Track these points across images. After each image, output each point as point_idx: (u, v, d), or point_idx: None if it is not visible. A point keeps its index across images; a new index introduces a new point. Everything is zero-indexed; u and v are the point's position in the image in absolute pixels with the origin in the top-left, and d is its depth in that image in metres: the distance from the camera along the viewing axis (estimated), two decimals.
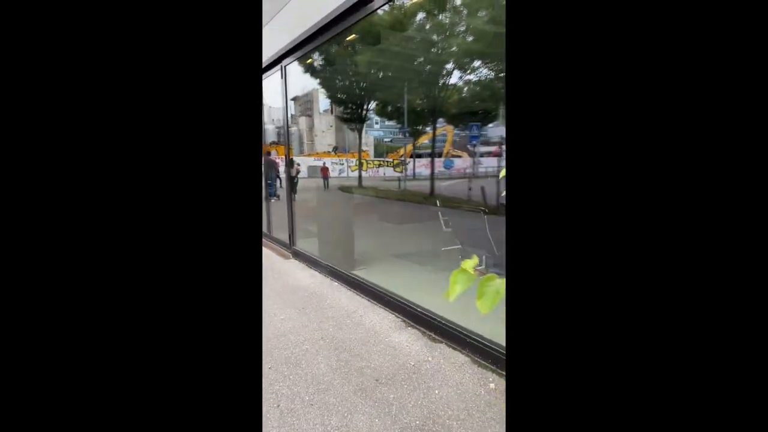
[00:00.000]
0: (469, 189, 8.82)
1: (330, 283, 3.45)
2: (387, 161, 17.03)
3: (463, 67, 9.08)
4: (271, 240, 5.17)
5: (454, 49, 8.93)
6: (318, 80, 10.96)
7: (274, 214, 5.48)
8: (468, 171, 17.23)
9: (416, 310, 2.58)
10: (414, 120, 12.97)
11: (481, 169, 16.97)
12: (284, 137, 4.84)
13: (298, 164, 7.00)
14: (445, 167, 16.52)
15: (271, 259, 4.36)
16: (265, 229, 5.45)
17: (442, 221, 4.27)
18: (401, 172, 16.27)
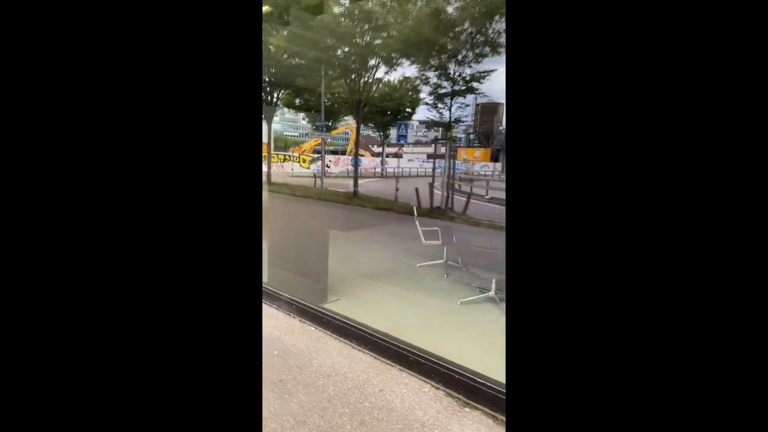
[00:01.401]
0: (397, 190, 8.18)
1: (301, 327, 2.35)
2: (293, 156, 15.52)
3: (389, 63, 8.35)
4: None
5: (378, 42, 8.15)
6: None
7: None
8: (377, 170, 16.75)
9: (465, 376, 1.72)
10: (327, 114, 11.83)
11: (389, 169, 16.63)
12: None
13: None
14: (352, 165, 15.74)
15: None
16: None
17: (421, 233, 3.45)
18: (308, 168, 14.93)
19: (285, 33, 8.18)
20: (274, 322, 2.38)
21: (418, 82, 7.99)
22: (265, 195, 6.54)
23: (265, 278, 2.86)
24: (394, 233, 5.52)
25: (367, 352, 2.05)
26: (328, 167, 13.69)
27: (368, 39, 7.99)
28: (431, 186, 7.09)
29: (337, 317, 2.25)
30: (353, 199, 8.62)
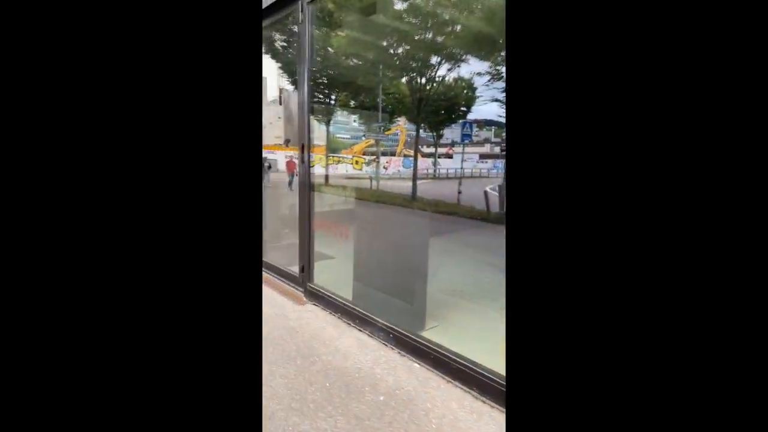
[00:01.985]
0: (459, 193, 7.65)
1: (403, 362, 1.96)
2: (345, 157, 15.38)
3: (453, 59, 7.83)
4: (265, 267, 3.45)
5: (441, 38, 7.65)
6: (279, 64, 8.94)
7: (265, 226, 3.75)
8: (429, 171, 16.26)
9: None
10: (383, 115, 11.52)
11: (442, 171, 16.09)
12: None
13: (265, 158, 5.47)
14: (404, 166, 15.29)
15: (274, 303, 2.69)
16: None
17: None
18: (360, 169, 14.68)
19: (344, 34, 7.92)
20: (371, 354, 2.00)
21: (488, 78, 7.41)
22: (331, 198, 6.28)
23: (348, 296, 2.51)
24: (469, 243, 5.03)
25: (497, 406, 1.61)
26: (385, 169, 13.36)
27: (430, 36, 7.52)
28: (501, 189, 6.49)
29: (446, 353, 1.82)
30: (412, 202, 8.20)
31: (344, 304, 2.43)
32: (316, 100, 9.96)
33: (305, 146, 2.68)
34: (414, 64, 8.01)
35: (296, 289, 2.85)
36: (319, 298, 2.63)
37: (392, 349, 2.05)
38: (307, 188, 2.72)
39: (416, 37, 7.42)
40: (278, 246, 3.88)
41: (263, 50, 3.68)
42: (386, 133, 14.60)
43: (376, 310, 2.25)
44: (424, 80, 8.07)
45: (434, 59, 7.74)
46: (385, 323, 2.14)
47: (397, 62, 8.33)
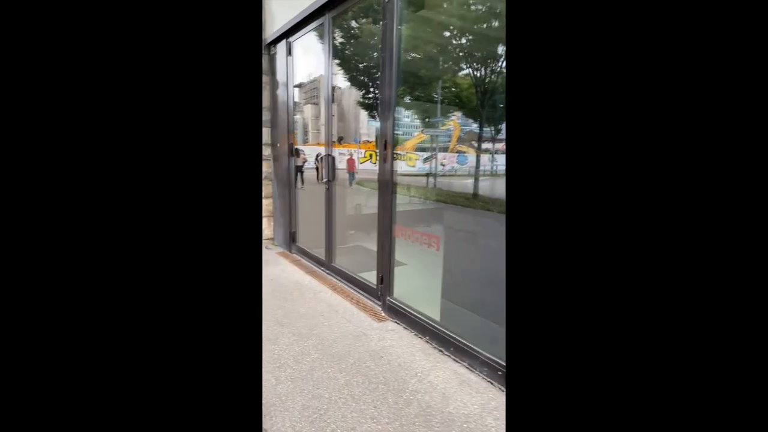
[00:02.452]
0: None
1: None
2: (400, 154, 15.08)
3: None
4: (334, 273, 3.20)
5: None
6: (338, 60, 8.75)
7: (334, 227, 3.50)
8: (485, 168, 15.52)
9: None
10: (444, 109, 11.07)
11: (500, 167, 15.29)
12: (290, 124, 4.02)
13: (304, 152, 5.41)
14: (459, 163, 14.71)
15: (350, 318, 2.41)
16: (315, 249, 3.47)
17: None
18: (413, 166, 14.34)
19: (404, 27, 7.56)
20: (477, 396, 1.63)
21: None
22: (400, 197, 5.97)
23: (434, 315, 2.15)
24: None
25: None
26: (443, 166, 12.90)
27: (497, 24, 6.93)
28: None
29: None
30: (473, 201, 7.68)
31: (433, 326, 2.08)
32: (371, 95, 9.70)
33: (388, 143, 2.35)
34: (479, 54, 7.46)
35: (373, 302, 2.54)
36: (400, 314, 2.30)
37: (501, 389, 1.66)
38: (390, 190, 2.39)
39: (485, 25, 6.87)
40: (345, 248, 3.62)
41: (328, 52, 3.42)
42: (441, 128, 14.11)
43: (472, 337, 1.87)
44: (489, 71, 7.50)
45: (501, 49, 7.14)
46: (489, 356, 1.76)
47: (461, 54, 7.83)
